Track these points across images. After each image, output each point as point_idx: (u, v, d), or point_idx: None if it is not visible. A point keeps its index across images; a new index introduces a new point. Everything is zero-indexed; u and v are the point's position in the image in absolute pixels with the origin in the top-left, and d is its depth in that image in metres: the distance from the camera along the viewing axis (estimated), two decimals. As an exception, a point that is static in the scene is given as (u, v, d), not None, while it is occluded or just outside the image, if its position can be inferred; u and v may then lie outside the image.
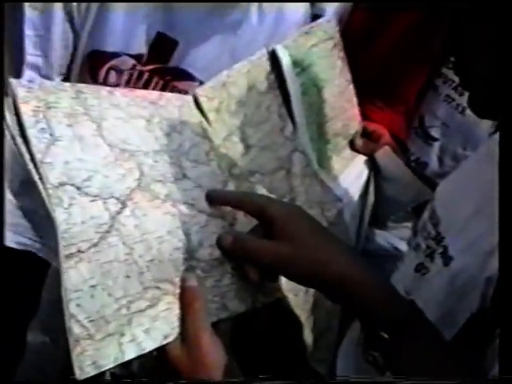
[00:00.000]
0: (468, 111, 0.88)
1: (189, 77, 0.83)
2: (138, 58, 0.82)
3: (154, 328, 0.47)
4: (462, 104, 0.88)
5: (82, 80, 0.83)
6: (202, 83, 0.80)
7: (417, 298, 0.53)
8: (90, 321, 0.43)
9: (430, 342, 0.48)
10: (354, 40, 0.85)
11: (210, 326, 0.48)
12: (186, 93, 0.80)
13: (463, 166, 0.64)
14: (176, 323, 0.48)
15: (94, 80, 0.82)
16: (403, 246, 0.83)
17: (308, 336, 0.68)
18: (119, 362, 0.44)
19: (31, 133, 0.47)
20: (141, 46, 0.81)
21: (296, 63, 0.72)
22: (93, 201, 0.48)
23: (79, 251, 0.45)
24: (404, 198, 0.82)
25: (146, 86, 0.83)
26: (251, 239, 0.53)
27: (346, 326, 0.69)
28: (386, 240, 0.89)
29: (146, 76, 0.83)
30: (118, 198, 0.49)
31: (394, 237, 0.89)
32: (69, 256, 0.44)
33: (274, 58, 0.71)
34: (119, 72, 0.82)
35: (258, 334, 0.64)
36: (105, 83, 0.82)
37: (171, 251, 0.50)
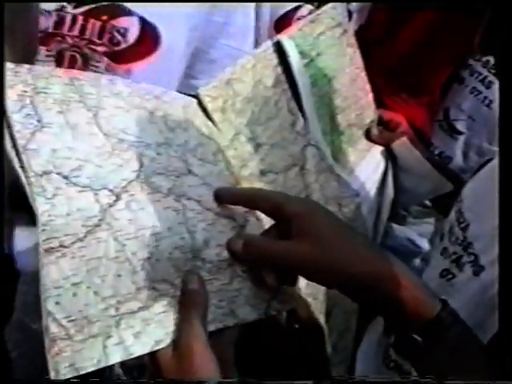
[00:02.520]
0: (495, 104, 0.85)
1: (126, 12, 0.77)
2: None
3: (146, 332, 0.43)
4: (489, 97, 0.85)
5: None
6: (141, 18, 0.75)
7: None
8: (70, 320, 0.40)
9: (467, 347, 0.45)
10: (379, 31, 0.83)
11: (206, 335, 0.43)
12: (125, 30, 0.76)
13: (492, 165, 0.60)
14: (171, 328, 0.44)
15: None
16: (423, 243, 0.80)
17: (327, 339, 0.65)
18: (102, 365, 0.41)
19: (15, 118, 0.44)
20: None
21: (303, 54, 0.68)
22: (82, 191, 0.44)
23: (62, 246, 0.41)
24: (421, 190, 0.79)
25: (82, 32, 0.77)
26: (266, 241, 0.49)
27: (363, 325, 0.67)
28: (405, 236, 0.86)
29: (80, 20, 0.76)
30: (111, 190, 0.46)
31: (414, 232, 0.86)
32: (49, 250, 0.41)
33: (280, 49, 0.68)
34: (46, 14, 0.75)
35: (272, 339, 0.61)
36: None
37: (171, 250, 0.47)
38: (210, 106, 0.62)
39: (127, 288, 0.43)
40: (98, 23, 0.77)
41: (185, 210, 0.49)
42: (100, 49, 0.78)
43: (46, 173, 0.43)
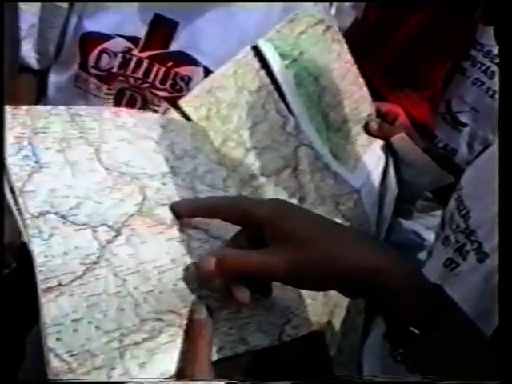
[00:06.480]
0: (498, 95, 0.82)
1: (192, 61, 0.79)
2: (133, 40, 0.78)
3: (152, 362, 0.43)
4: (492, 87, 0.83)
5: (71, 65, 0.81)
6: (206, 69, 0.78)
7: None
8: (72, 355, 0.41)
9: (466, 336, 0.42)
10: (378, 25, 0.82)
11: (210, 367, 0.43)
12: (189, 79, 0.78)
13: (490, 151, 0.58)
14: (176, 358, 0.44)
15: (84, 65, 0.79)
16: (429, 235, 0.77)
17: (330, 341, 0.64)
18: None
19: (12, 161, 0.45)
20: (136, 28, 0.77)
21: (284, 55, 0.68)
22: (79, 230, 0.45)
23: (60, 284, 0.42)
24: (422, 182, 0.76)
25: (146, 75, 0.79)
26: (241, 253, 0.45)
27: (371, 322, 0.65)
28: (411, 230, 0.83)
29: (145, 64, 0.79)
30: (110, 226, 0.47)
31: (420, 225, 0.83)
32: (47, 290, 0.42)
33: (260, 53, 0.68)
34: (112, 55, 0.79)
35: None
36: (96, 67, 0.79)
37: (175, 281, 0.46)
38: (194, 116, 0.63)
39: (131, 321, 0.44)
40: (163, 69, 0.79)
41: (190, 240, 0.49)
42: (161, 93, 0.80)
43: (42, 214, 0.44)
